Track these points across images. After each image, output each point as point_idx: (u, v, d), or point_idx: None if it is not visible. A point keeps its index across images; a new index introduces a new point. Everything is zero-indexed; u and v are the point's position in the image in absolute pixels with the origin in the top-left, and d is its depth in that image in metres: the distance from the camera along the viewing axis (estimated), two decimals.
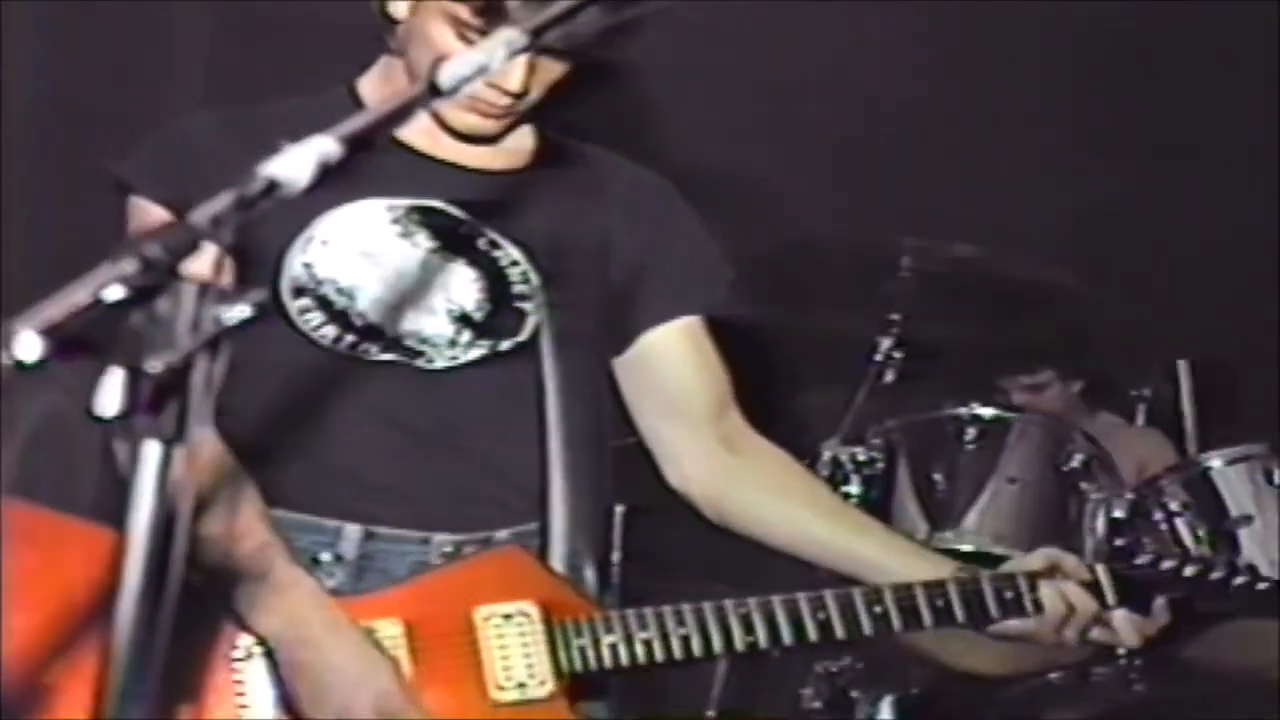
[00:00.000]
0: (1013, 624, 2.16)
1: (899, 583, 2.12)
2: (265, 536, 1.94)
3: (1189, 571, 2.26)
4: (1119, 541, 3.56)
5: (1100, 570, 2.22)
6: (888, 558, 2.21)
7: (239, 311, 1.11)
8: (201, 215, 1.11)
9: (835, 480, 3.63)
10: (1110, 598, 2.19)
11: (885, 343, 3.95)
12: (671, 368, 2.23)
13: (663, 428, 2.25)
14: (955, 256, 3.92)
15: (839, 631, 2.06)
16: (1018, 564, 2.25)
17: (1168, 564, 2.27)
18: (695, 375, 2.24)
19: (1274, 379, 4.94)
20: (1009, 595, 2.14)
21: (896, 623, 2.08)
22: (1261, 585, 2.29)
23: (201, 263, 1.06)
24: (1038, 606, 2.14)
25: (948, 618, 2.11)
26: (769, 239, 4.01)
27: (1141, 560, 2.32)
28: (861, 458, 3.62)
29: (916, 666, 3.73)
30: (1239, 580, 2.27)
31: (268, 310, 1.17)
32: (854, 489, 3.62)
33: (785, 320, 3.48)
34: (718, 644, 2.01)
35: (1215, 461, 3.65)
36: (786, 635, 2.04)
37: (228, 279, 1.11)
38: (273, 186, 1.15)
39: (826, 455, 3.67)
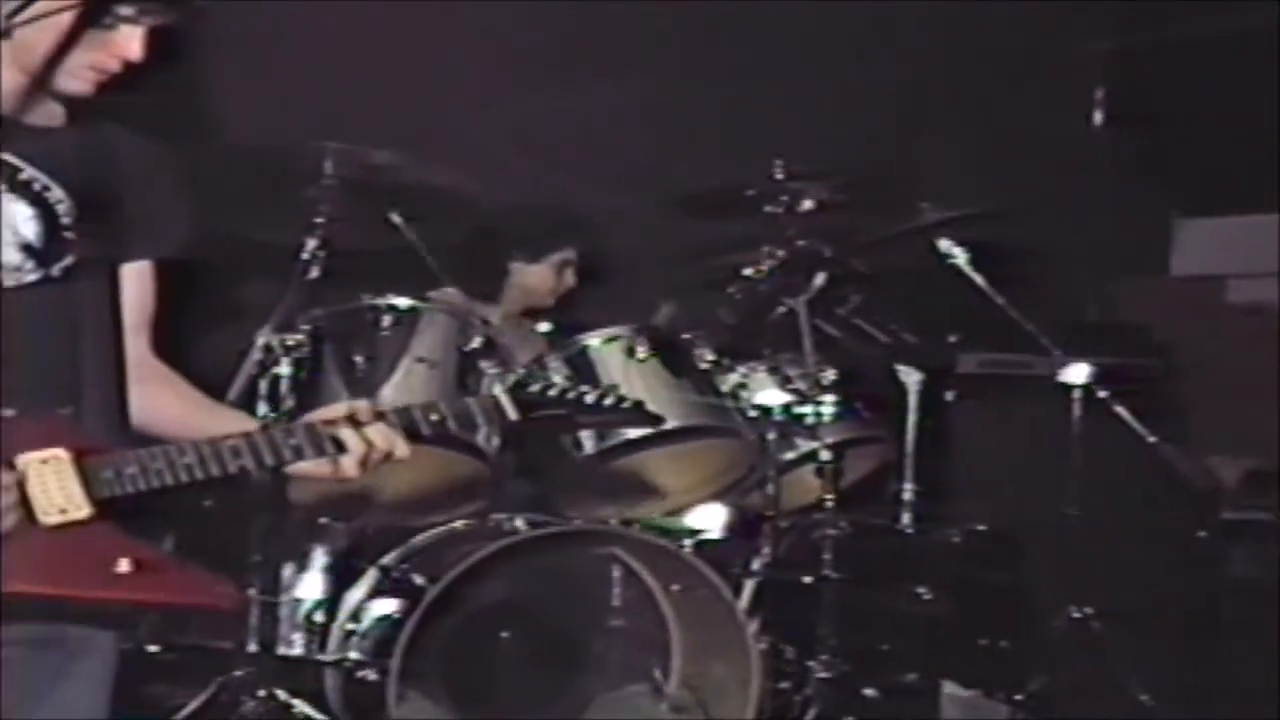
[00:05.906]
0: (301, 465, 2.70)
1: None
2: None
3: (571, 395, 2.96)
4: None
5: (501, 395, 2.84)
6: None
7: None
8: None
9: (267, 363, 4.15)
10: (512, 414, 2.81)
11: (311, 243, 4.39)
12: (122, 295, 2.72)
13: None
14: (374, 163, 4.37)
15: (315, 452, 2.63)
16: (314, 414, 2.79)
17: (552, 391, 2.95)
18: (128, 304, 2.72)
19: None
20: (314, 439, 2.67)
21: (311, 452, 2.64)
22: (625, 404, 3.01)
23: None
24: (339, 446, 2.68)
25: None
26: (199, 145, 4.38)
27: (533, 388, 2.96)
28: (290, 343, 4.13)
29: None
30: (608, 400, 2.98)
31: None
32: (285, 370, 4.12)
33: (219, 225, 3.81)
34: (215, 469, 2.56)
35: (592, 340, 4.44)
36: (268, 459, 2.61)
37: None
38: None
39: (260, 341, 4.17)
